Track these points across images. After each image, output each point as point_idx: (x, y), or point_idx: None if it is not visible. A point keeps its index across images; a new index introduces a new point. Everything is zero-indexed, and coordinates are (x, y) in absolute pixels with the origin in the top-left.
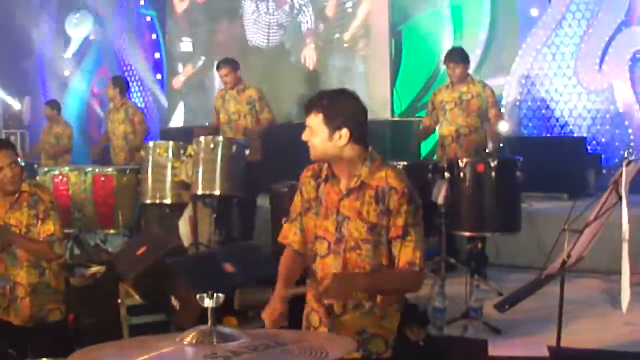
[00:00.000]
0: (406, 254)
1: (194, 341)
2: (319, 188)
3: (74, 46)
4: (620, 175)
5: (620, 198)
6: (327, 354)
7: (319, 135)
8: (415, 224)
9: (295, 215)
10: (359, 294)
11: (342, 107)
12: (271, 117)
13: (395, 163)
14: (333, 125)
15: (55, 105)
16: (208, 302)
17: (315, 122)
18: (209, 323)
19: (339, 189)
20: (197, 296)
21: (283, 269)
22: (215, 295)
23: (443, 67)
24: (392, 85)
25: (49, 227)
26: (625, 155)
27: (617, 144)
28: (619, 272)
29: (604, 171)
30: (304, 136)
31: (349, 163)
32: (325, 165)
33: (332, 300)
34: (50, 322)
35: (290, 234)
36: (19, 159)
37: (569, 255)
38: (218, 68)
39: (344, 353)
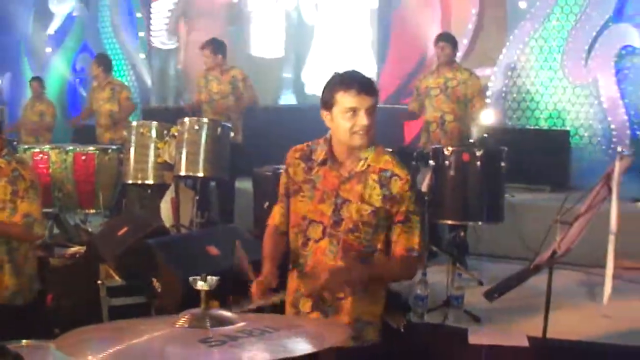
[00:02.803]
0: (406, 239)
1: (187, 325)
2: (311, 171)
3: (56, 23)
4: (614, 168)
5: (611, 192)
6: (324, 340)
7: (375, 116)
8: (416, 211)
9: (281, 197)
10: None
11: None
12: (254, 98)
13: None
14: (376, 107)
15: (42, 81)
16: (201, 285)
17: (377, 102)
18: (202, 307)
19: (339, 172)
20: (190, 279)
21: (268, 247)
22: (208, 278)
23: (430, 55)
24: (379, 72)
25: (26, 207)
26: (619, 149)
27: (599, 139)
28: (599, 266)
29: (586, 165)
30: (369, 120)
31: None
32: (319, 148)
33: (330, 293)
34: (17, 305)
35: (277, 215)
36: None
37: (559, 246)
38: (201, 48)
39: (341, 339)
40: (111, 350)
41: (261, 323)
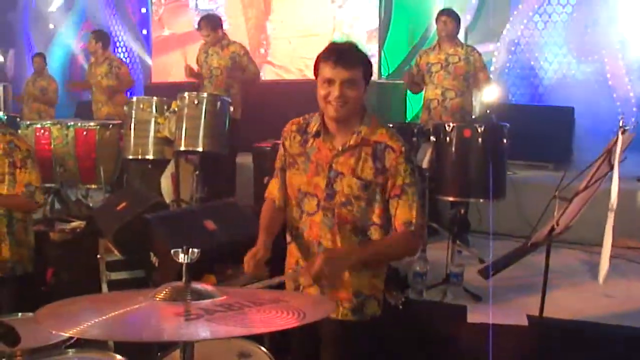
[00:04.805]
0: (403, 213)
1: (167, 298)
2: (306, 144)
3: None
4: (615, 143)
5: (612, 168)
6: (305, 315)
7: (358, 90)
8: (411, 183)
9: (277, 171)
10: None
11: (368, 60)
12: (258, 72)
13: None
14: (367, 79)
15: (44, 57)
16: (183, 258)
17: (358, 76)
18: (184, 280)
19: (333, 145)
20: (172, 252)
21: (264, 219)
22: (190, 250)
23: (432, 30)
24: (381, 47)
25: (26, 177)
26: (621, 123)
27: (604, 115)
28: (601, 245)
29: (591, 142)
30: (342, 92)
31: (350, 119)
32: (314, 120)
33: (326, 282)
34: (18, 275)
35: (274, 189)
36: None
37: (557, 223)
38: (199, 24)
39: (324, 315)
40: (89, 322)
41: (244, 298)
